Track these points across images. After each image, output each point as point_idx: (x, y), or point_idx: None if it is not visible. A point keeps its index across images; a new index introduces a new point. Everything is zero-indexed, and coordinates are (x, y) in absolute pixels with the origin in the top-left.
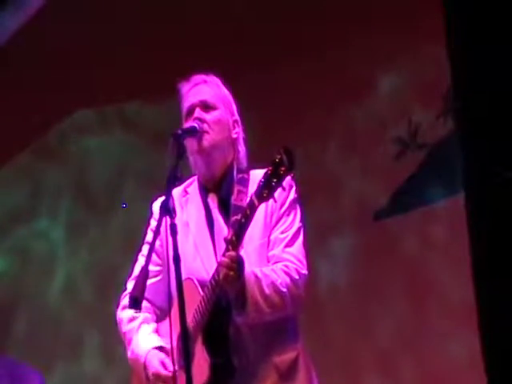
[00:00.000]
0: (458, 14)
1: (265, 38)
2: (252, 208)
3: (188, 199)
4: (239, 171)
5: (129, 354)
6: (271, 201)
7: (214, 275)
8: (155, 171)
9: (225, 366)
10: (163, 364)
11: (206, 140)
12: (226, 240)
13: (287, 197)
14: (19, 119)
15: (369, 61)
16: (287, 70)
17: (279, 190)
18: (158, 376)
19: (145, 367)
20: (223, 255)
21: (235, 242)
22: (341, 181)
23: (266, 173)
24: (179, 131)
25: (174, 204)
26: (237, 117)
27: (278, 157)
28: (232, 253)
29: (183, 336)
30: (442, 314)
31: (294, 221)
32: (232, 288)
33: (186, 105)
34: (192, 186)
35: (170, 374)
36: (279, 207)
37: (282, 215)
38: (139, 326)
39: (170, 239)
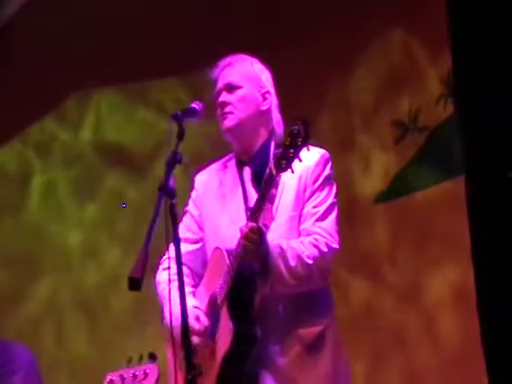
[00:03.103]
0: None
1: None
2: (270, 178)
3: (226, 173)
4: (277, 146)
5: (166, 313)
6: (305, 175)
7: (237, 245)
8: None
9: (248, 335)
10: (197, 319)
11: (230, 120)
12: (248, 209)
13: (321, 172)
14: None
15: (368, 42)
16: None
17: (304, 162)
18: (192, 329)
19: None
20: (245, 226)
21: (255, 211)
22: (340, 164)
23: (283, 143)
24: (179, 112)
25: (173, 185)
26: (268, 88)
27: (296, 128)
28: (252, 224)
29: (183, 329)
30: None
31: (328, 196)
32: (253, 258)
33: (215, 91)
34: (231, 160)
35: (203, 329)
36: (312, 182)
37: (315, 190)
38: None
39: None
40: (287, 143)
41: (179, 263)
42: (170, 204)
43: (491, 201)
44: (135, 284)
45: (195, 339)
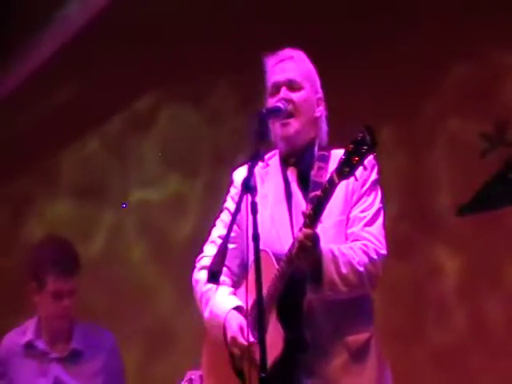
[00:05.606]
0: None
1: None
2: (332, 185)
3: (268, 171)
4: (320, 148)
5: (206, 314)
6: (352, 179)
7: (290, 249)
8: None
9: (297, 340)
10: (241, 329)
11: (292, 127)
12: (304, 214)
13: (369, 176)
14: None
15: (452, 50)
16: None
17: (360, 168)
18: (235, 341)
19: (224, 327)
20: (300, 230)
21: (313, 217)
22: (423, 175)
23: (346, 150)
24: (264, 110)
25: (255, 182)
26: (321, 94)
27: (360, 135)
28: (308, 230)
29: (259, 315)
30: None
31: (375, 201)
32: (306, 264)
33: (271, 80)
34: (273, 158)
35: (246, 344)
36: (360, 186)
37: (363, 195)
38: (217, 287)
39: (251, 217)
40: (350, 149)
41: (257, 259)
42: (252, 201)
43: None
44: (214, 276)
45: (235, 351)
